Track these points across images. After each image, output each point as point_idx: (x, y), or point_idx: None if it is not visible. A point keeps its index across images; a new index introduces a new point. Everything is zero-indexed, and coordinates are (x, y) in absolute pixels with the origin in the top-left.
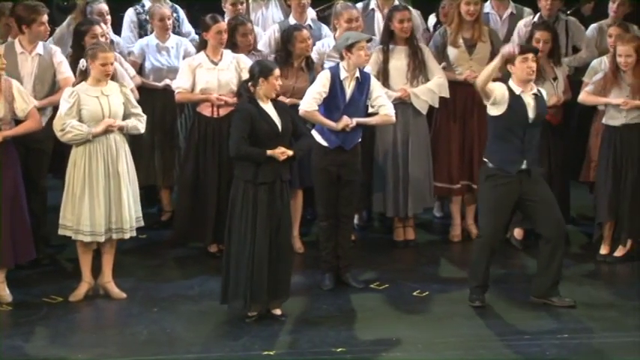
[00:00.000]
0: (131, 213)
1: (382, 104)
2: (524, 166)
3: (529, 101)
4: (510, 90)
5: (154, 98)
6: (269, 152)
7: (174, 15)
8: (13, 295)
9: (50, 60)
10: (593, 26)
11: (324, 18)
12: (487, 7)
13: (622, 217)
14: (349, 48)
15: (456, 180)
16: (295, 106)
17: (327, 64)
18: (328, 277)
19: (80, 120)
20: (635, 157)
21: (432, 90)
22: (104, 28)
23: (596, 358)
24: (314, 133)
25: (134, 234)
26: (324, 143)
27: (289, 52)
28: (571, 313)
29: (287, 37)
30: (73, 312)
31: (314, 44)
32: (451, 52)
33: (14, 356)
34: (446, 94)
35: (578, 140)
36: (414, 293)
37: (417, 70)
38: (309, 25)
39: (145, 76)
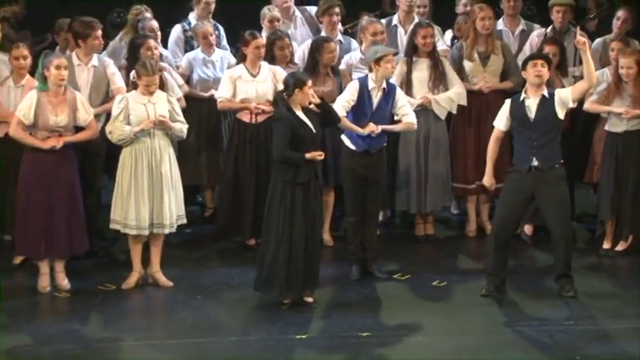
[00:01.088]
0: (172, 211)
1: (406, 113)
2: (534, 164)
3: (530, 103)
4: (513, 100)
5: (201, 106)
6: (307, 155)
7: (216, 32)
8: (71, 284)
9: (104, 71)
10: (597, 41)
11: (351, 34)
12: (500, 25)
13: (623, 215)
14: (377, 61)
15: (471, 181)
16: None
17: (355, 75)
18: (355, 268)
19: (128, 124)
20: (635, 161)
21: (451, 98)
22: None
23: (599, 342)
24: (343, 137)
25: (174, 229)
26: (352, 147)
27: (316, 60)
28: (576, 302)
29: (316, 47)
30: (124, 299)
31: (342, 57)
32: (467, 64)
33: (72, 339)
34: (464, 102)
35: (582, 144)
36: (434, 283)
37: (438, 80)
38: (340, 41)
39: (192, 86)
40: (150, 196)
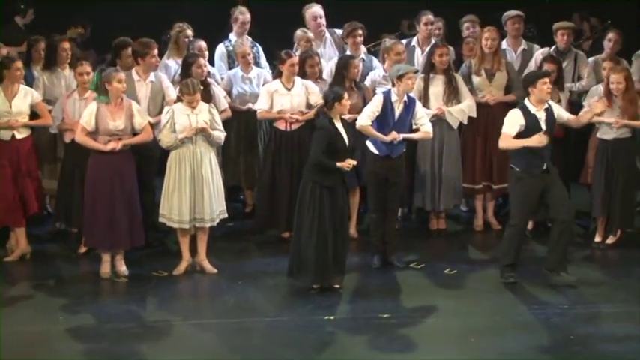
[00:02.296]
0: (212, 207)
1: (423, 124)
2: (544, 167)
3: (541, 116)
4: (524, 112)
5: (240, 117)
6: (338, 164)
7: (254, 49)
8: (129, 270)
9: (160, 85)
10: (591, 59)
11: (373, 53)
12: (504, 45)
13: (613, 212)
14: (399, 77)
15: (478, 181)
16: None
17: (379, 89)
18: (377, 258)
19: (174, 132)
20: (623, 164)
21: (463, 110)
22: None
23: (592, 323)
24: (368, 143)
25: (214, 224)
26: (376, 152)
27: (343, 76)
28: (570, 288)
29: (343, 64)
30: (175, 283)
31: (365, 73)
32: (475, 79)
33: (129, 318)
34: (474, 114)
35: (577, 150)
36: (446, 272)
37: (452, 94)
38: (363, 59)
39: (232, 100)
40: (191, 195)
